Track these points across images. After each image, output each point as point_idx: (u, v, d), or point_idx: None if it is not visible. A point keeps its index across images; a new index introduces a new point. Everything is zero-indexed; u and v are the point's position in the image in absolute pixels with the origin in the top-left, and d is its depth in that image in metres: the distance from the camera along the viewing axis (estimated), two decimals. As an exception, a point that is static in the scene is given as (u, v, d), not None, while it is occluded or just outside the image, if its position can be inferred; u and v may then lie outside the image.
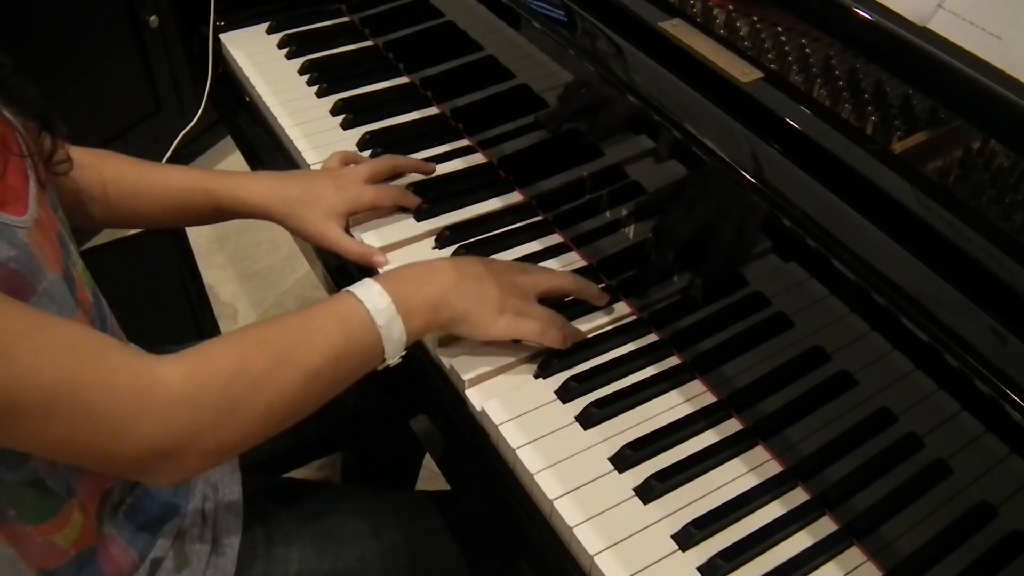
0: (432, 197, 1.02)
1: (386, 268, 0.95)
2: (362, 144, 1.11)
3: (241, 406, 0.69)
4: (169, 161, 1.71)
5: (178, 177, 0.97)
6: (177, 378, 0.66)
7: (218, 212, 0.98)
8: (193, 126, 1.45)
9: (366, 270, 0.98)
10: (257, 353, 0.71)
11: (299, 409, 0.74)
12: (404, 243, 0.99)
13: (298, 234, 0.98)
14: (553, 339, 0.85)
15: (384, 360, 0.78)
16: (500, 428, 0.81)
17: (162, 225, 1.00)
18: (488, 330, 0.83)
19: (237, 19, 1.30)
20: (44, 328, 0.62)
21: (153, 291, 1.37)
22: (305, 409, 0.74)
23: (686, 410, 0.83)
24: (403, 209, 1.02)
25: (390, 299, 0.76)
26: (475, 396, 0.83)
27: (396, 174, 1.04)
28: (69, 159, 0.81)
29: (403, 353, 0.79)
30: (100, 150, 0.94)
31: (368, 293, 0.76)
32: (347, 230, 0.98)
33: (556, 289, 0.88)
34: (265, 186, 0.97)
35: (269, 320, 0.75)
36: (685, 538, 0.74)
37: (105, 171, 0.92)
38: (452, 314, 0.81)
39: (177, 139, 1.45)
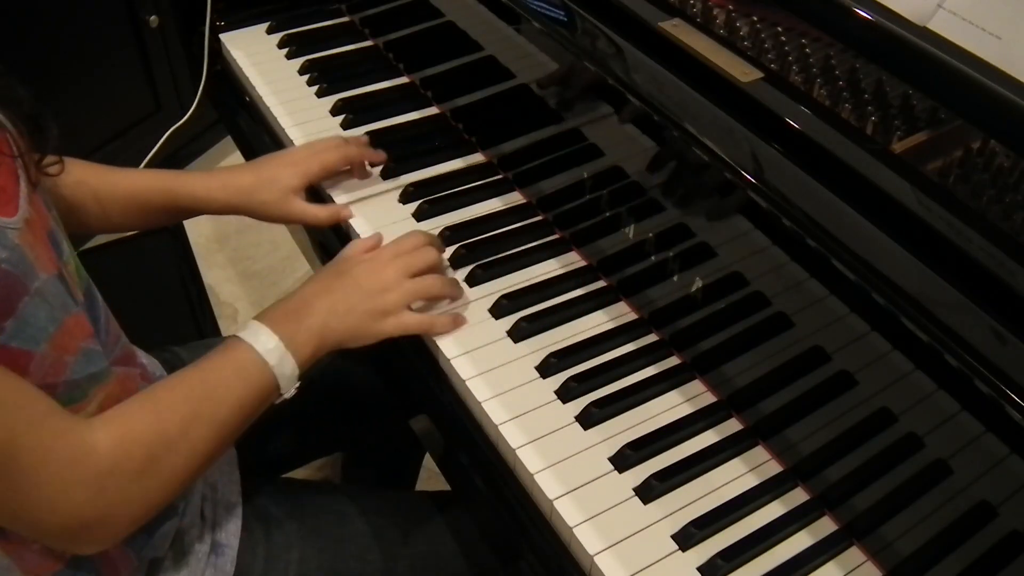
0: (432, 197, 1.03)
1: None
2: (362, 144, 1.11)
3: (163, 468, 0.72)
4: (166, 160, 1.71)
5: (139, 179, 0.97)
6: (105, 447, 0.68)
7: (179, 211, 0.99)
8: (193, 126, 1.45)
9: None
10: (171, 415, 0.73)
11: (213, 458, 0.78)
12: (404, 243, 0.99)
13: (265, 218, 1.00)
14: (443, 326, 0.88)
15: (281, 395, 0.81)
16: (500, 428, 0.81)
17: (124, 228, 1.01)
18: (378, 336, 0.86)
19: (237, 19, 1.30)
20: None
21: (153, 291, 1.37)
22: (217, 456, 0.78)
23: (686, 410, 0.83)
24: (403, 205, 1.02)
25: (277, 339, 0.79)
26: (475, 395, 0.83)
27: (347, 161, 1.05)
28: (60, 160, 0.81)
29: (297, 384, 0.82)
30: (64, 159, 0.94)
31: (256, 336, 0.79)
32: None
33: (419, 293, 0.88)
34: (220, 181, 0.99)
35: (173, 380, 0.77)
36: (685, 538, 0.74)
37: (67, 177, 0.91)
38: (338, 337, 0.84)
39: (165, 135, 1.45)
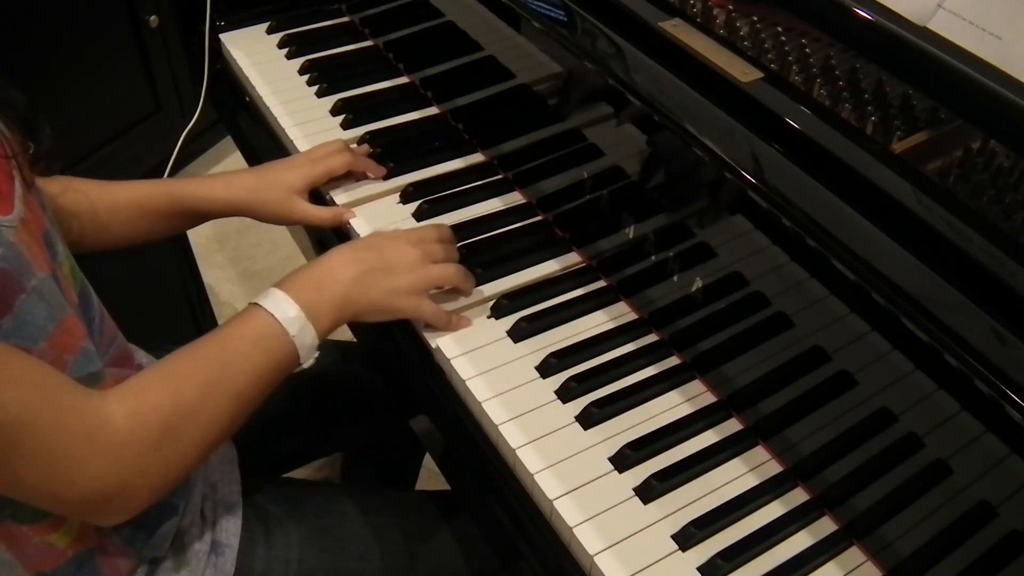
0: (432, 197, 1.03)
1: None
2: (362, 144, 1.11)
3: (181, 439, 0.72)
4: (166, 160, 1.71)
5: (138, 188, 0.98)
6: (122, 419, 0.68)
7: (183, 215, 0.99)
8: (193, 126, 1.45)
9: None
10: (188, 385, 0.73)
11: (231, 429, 0.77)
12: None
13: (267, 219, 1.01)
14: (447, 325, 0.88)
15: (300, 364, 0.80)
16: (500, 428, 0.81)
17: (127, 240, 0.99)
18: (394, 313, 0.86)
19: (237, 19, 1.30)
20: (9, 362, 0.63)
21: (153, 291, 1.37)
22: (236, 427, 0.77)
23: (686, 410, 0.83)
24: (403, 206, 1.03)
25: (299, 307, 0.79)
26: (475, 395, 0.83)
27: (349, 168, 1.05)
28: (55, 160, 0.81)
29: (316, 355, 0.82)
30: (62, 177, 0.92)
31: (276, 304, 0.78)
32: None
33: (440, 280, 0.89)
34: (224, 181, 0.99)
35: (191, 348, 0.76)
36: (685, 538, 0.74)
37: (66, 195, 0.91)
38: (357, 309, 0.84)
39: (180, 139, 1.45)
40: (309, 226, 1.03)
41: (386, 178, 1.06)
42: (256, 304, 0.79)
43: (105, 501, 0.69)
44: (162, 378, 0.73)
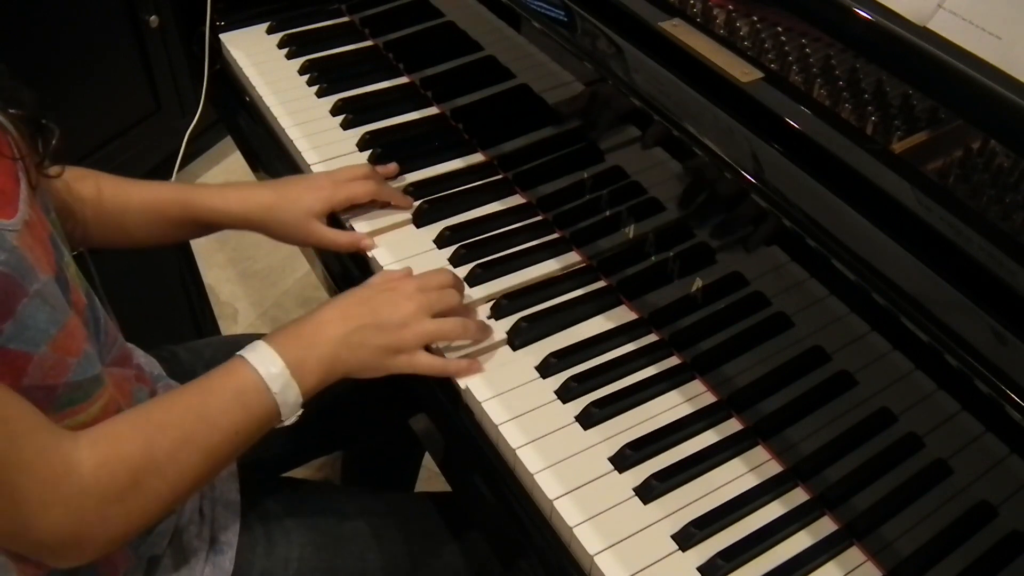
0: (432, 197, 1.02)
1: (373, 252, 0.97)
2: (362, 144, 1.11)
3: (147, 491, 0.70)
4: (167, 160, 1.71)
5: (156, 190, 0.96)
6: (89, 466, 0.67)
7: (197, 224, 0.97)
8: (194, 126, 1.45)
9: (364, 265, 0.99)
10: (162, 438, 0.71)
11: (201, 483, 0.76)
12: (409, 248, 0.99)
13: (282, 239, 0.98)
14: (457, 369, 0.85)
15: (281, 421, 0.78)
16: (500, 428, 0.81)
17: (145, 242, 0.97)
18: (387, 371, 0.83)
19: (237, 19, 1.30)
20: None
21: (153, 291, 1.37)
22: (206, 481, 0.76)
23: (686, 410, 0.83)
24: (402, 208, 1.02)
25: (283, 364, 0.77)
26: (475, 395, 0.83)
27: (373, 198, 1.02)
28: (62, 162, 0.80)
29: (299, 413, 0.79)
30: (77, 167, 0.91)
31: (261, 359, 0.77)
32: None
33: (436, 336, 0.85)
34: (239, 195, 0.97)
35: (170, 397, 0.76)
36: (685, 538, 0.74)
37: (76, 183, 0.90)
38: (347, 368, 0.81)
39: (184, 140, 1.45)
40: (324, 249, 1.00)
41: (385, 178, 1.06)
42: (242, 357, 0.77)
43: (60, 546, 0.67)
44: (137, 427, 0.71)
